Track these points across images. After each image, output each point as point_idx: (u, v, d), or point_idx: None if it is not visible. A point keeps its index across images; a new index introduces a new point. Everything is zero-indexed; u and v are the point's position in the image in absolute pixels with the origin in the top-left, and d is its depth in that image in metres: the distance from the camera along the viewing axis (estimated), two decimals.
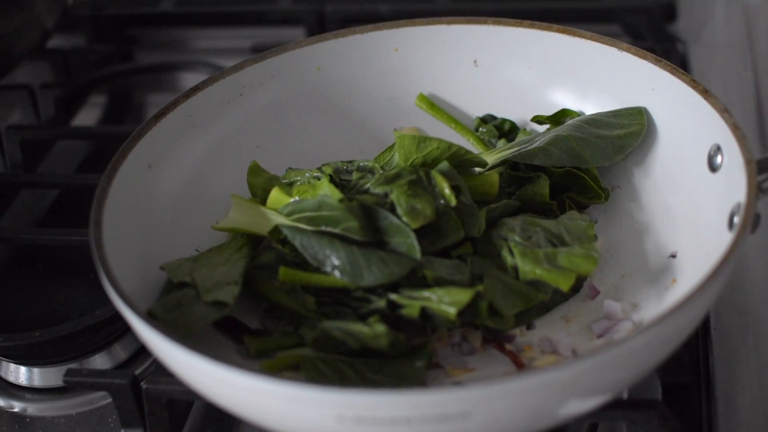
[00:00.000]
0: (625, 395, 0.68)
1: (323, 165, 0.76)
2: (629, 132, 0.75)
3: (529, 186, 0.75)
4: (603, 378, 0.56)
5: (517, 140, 0.79)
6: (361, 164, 0.75)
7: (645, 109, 0.76)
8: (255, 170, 0.78)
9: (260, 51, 0.83)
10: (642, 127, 0.75)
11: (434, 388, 0.53)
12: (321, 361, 0.63)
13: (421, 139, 0.72)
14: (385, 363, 0.63)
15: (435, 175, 0.69)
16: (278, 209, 0.72)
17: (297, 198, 0.72)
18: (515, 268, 0.68)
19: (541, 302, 0.68)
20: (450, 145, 0.71)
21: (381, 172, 0.73)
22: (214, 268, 0.69)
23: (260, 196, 0.77)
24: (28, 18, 1.04)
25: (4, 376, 0.79)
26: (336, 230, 0.67)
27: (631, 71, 0.76)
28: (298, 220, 0.69)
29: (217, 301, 0.66)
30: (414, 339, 0.67)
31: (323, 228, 0.68)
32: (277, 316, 0.70)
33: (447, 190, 0.68)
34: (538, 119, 0.80)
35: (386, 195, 0.69)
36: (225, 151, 0.79)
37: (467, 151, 0.72)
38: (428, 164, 0.72)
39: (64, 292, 0.84)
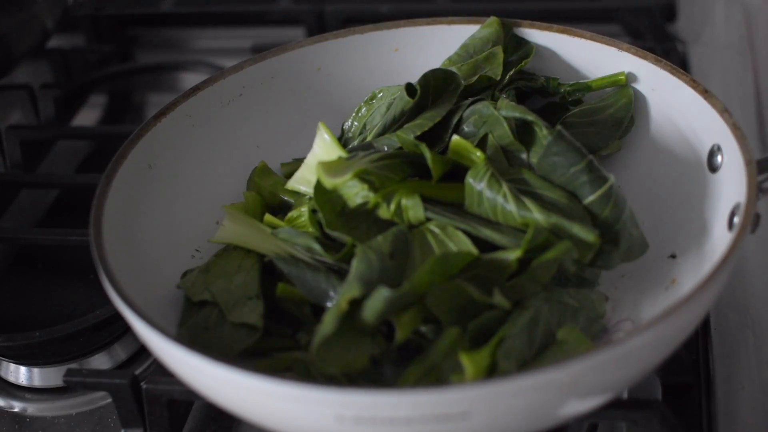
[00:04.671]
0: (625, 395, 0.68)
1: None
2: (619, 106, 0.75)
3: None
4: (603, 378, 0.56)
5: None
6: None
7: (628, 83, 0.76)
8: (263, 171, 0.78)
9: (260, 51, 0.83)
10: (629, 98, 0.76)
11: (434, 388, 0.53)
12: (313, 365, 0.63)
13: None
14: (376, 370, 0.63)
15: None
16: (273, 231, 0.72)
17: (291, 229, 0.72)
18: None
19: None
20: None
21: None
22: (229, 279, 0.69)
23: (267, 198, 0.77)
24: (28, 18, 1.04)
25: (4, 376, 0.79)
26: (330, 261, 0.68)
27: (631, 71, 0.76)
28: (294, 245, 0.70)
29: (244, 323, 0.66)
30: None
31: (318, 258, 0.68)
32: (277, 317, 0.70)
33: None
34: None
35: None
36: (225, 151, 0.79)
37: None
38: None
39: (64, 292, 0.84)
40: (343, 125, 0.81)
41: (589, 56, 0.79)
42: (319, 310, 0.67)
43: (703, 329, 0.74)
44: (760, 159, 0.65)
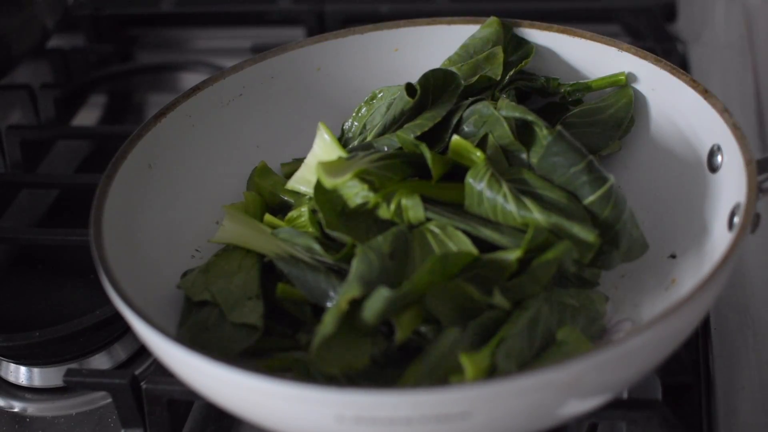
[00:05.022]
0: (625, 395, 0.68)
1: None
2: (619, 107, 0.75)
3: None
4: (603, 378, 0.56)
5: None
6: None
7: (629, 83, 0.76)
8: (263, 171, 0.78)
9: (260, 51, 0.83)
10: (630, 98, 0.76)
11: (434, 388, 0.53)
12: (313, 365, 0.63)
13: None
14: (376, 370, 0.63)
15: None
16: (273, 231, 0.72)
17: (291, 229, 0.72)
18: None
19: None
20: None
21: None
22: (229, 279, 0.69)
23: (267, 198, 0.77)
24: (28, 18, 1.04)
25: (4, 376, 0.79)
26: (331, 261, 0.68)
27: (631, 71, 0.76)
28: (294, 246, 0.70)
29: (244, 323, 0.66)
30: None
31: (318, 258, 0.68)
32: (277, 317, 0.70)
33: None
34: None
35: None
36: (225, 151, 0.79)
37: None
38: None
39: (64, 292, 0.84)
40: (343, 125, 0.81)
41: (589, 56, 0.79)
42: (319, 310, 0.67)
43: (703, 329, 0.74)
44: (760, 159, 0.65)
